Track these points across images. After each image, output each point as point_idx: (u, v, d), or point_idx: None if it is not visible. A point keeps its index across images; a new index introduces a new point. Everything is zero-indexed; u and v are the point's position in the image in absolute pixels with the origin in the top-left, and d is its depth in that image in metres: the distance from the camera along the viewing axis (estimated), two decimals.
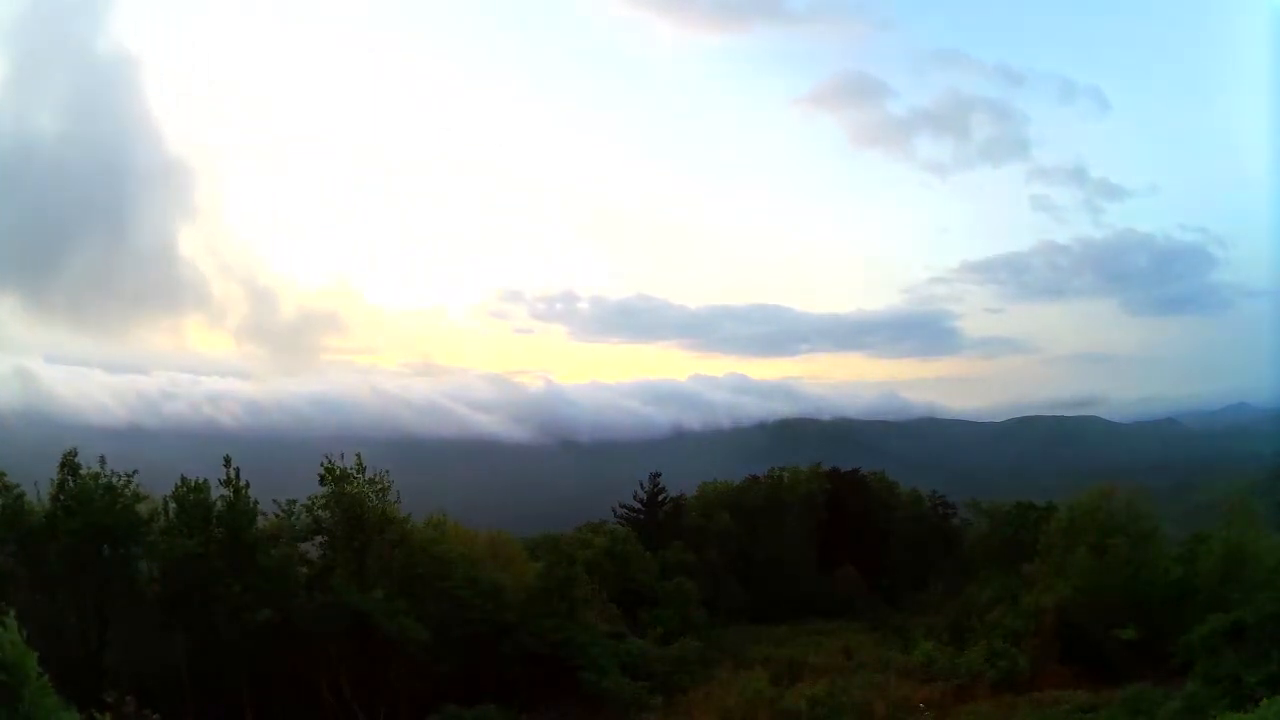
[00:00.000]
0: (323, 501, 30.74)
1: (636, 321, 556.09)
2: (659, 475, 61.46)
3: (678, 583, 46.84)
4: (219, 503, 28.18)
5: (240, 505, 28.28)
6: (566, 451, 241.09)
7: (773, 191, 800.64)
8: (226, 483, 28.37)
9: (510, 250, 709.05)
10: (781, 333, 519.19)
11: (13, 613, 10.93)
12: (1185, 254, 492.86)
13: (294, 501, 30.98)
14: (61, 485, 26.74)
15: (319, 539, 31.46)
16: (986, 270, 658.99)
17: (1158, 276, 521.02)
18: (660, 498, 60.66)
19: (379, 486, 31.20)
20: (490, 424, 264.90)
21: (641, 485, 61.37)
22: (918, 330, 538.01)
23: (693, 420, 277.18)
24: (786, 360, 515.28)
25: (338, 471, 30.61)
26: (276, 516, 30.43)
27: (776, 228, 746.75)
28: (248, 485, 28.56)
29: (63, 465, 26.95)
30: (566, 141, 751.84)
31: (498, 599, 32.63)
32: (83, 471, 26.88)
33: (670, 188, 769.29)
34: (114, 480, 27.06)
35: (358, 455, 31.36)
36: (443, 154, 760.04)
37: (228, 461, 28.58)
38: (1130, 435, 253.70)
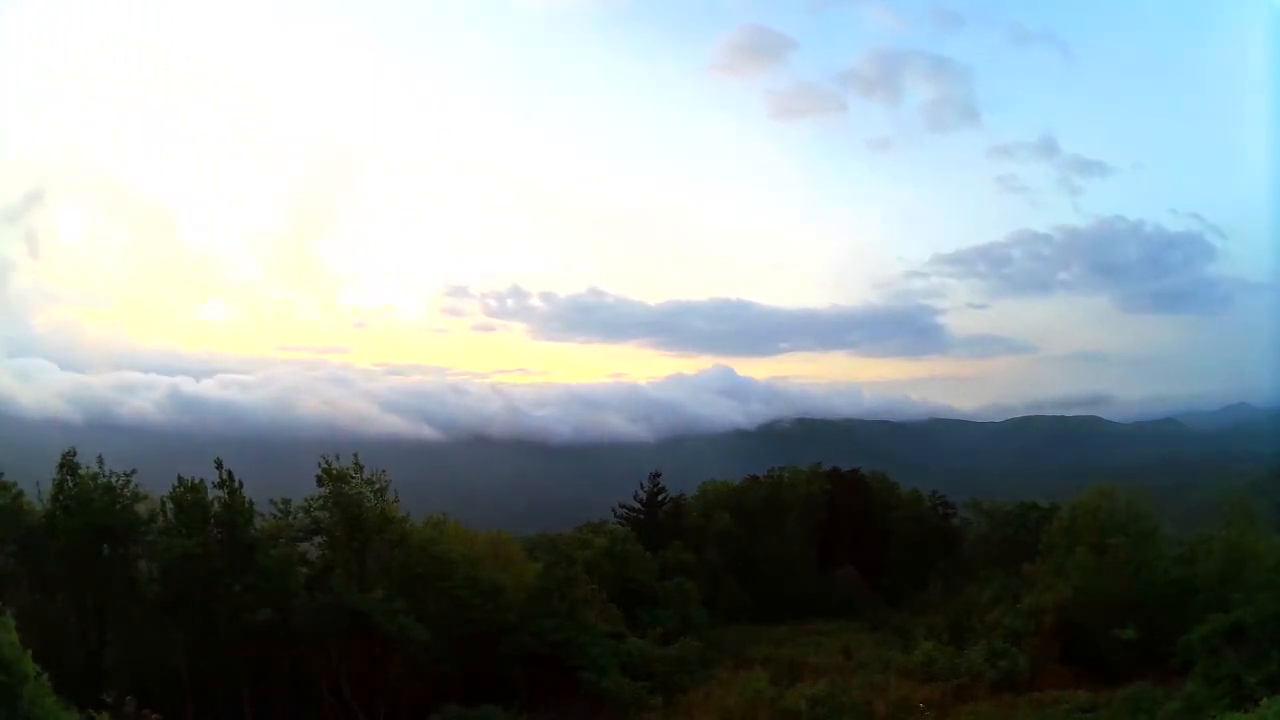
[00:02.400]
0: (321, 502, 30.77)
1: (598, 319, 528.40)
2: (659, 475, 61.39)
3: (677, 583, 46.81)
4: (216, 503, 28.23)
5: (236, 505, 28.32)
6: (546, 456, 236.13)
7: (711, 175, 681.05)
8: (221, 484, 28.40)
9: (449, 244, 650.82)
10: (755, 330, 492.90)
11: (12, 613, 10.95)
12: (1180, 244, 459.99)
13: (290, 501, 31.03)
14: (60, 485, 26.78)
15: (318, 539, 31.51)
16: (963, 263, 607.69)
17: (1151, 269, 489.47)
18: (660, 498, 60.62)
19: (377, 487, 31.22)
20: (469, 426, 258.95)
21: (642, 485, 61.33)
22: (901, 328, 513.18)
23: (681, 423, 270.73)
24: (768, 359, 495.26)
25: (335, 472, 30.62)
26: (275, 517, 30.48)
27: (724, 216, 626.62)
28: (241, 485, 28.61)
29: (61, 465, 27.00)
30: (498, 130, 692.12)
31: (498, 599, 32.62)
32: (81, 471, 26.93)
33: (605, 176, 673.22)
34: (113, 480, 27.11)
35: (354, 456, 31.40)
36: (371, 145, 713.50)
37: (219, 464, 28.63)
38: (1130, 435, 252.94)
